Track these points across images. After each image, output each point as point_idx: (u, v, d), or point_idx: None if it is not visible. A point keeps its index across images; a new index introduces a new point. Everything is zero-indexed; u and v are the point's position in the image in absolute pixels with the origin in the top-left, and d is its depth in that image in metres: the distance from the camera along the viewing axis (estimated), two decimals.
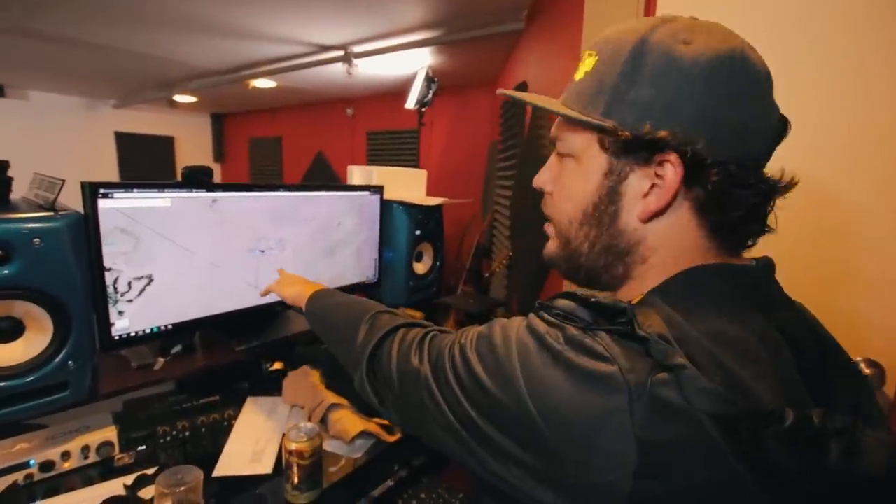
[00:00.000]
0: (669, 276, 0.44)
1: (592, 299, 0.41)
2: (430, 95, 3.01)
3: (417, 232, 1.39)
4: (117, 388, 0.84)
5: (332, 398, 0.93)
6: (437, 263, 1.53)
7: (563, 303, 0.42)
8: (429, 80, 2.96)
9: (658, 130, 0.41)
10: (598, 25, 1.16)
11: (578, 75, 0.49)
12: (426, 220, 1.42)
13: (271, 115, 5.65)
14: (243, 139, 6.17)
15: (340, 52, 2.82)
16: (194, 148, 6.21)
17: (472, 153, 3.79)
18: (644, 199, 0.44)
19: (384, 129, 4.44)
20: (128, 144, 5.59)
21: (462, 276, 3.01)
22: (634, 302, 0.42)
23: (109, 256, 0.80)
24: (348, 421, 0.89)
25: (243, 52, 3.01)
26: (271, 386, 1.09)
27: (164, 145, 5.99)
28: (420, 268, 1.48)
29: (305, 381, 0.99)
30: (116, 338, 0.83)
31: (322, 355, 1.07)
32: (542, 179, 0.53)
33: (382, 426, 0.93)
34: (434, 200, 1.36)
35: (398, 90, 3.87)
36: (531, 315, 0.44)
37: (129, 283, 0.84)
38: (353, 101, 4.65)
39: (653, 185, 0.43)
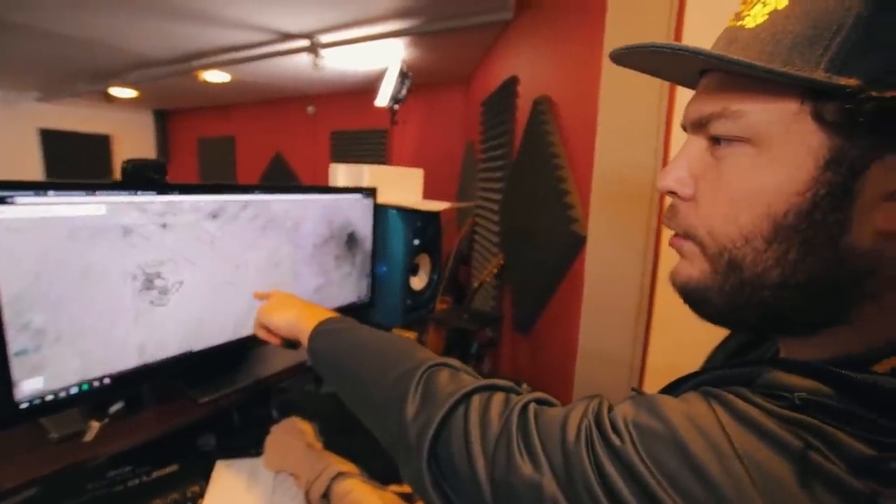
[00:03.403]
0: None
1: (858, 378, 0.25)
2: (403, 91, 2.81)
3: (416, 242, 1.19)
4: (25, 477, 0.58)
5: (336, 463, 0.71)
6: (435, 277, 1.33)
7: (799, 381, 0.27)
8: (403, 74, 2.75)
9: None
10: (627, 12, 1.01)
11: (755, 19, 0.32)
12: (425, 228, 1.22)
13: (223, 112, 5.22)
14: (191, 139, 5.68)
15: (306, 42, 2.56)
16: (134, 148, 5.64)
17: (445, 155, 3.61)
18: (891, 204, 0.28)
19: (350, 128, 4.17)
20: (55, 143, 4.96)
21: (440, 286, 2.81)
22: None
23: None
24: (361, 494, 0.68)
25: (193, 39, 2.68)
26: (245, 439, 0.86)
27: (99, 145, 5.38)
28: (417, 282, 1.28)
29: (296, 441, 0.76)
30: (24, 406, 0.58)
31: (316, 402, 0.84)
32: (672, 178, 0.36)
33: (401, 494, 0.72)
34: (436, 205, 1.17)
35: (365, 87, 3.63)
36: (728, 396, 0.29)
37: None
38: (314, 99, 4.35)
39: None
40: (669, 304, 0.98)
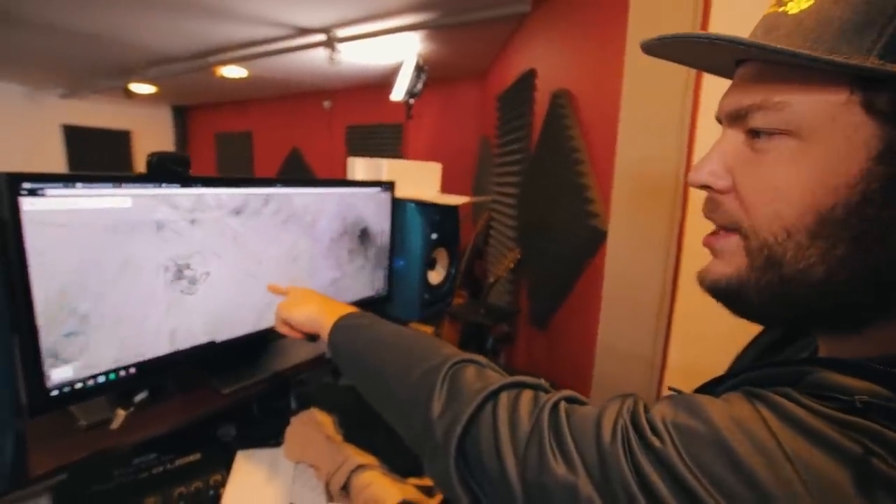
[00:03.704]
0: None
1: None
2: (419, 86, 2.80)
3: (434, 236, 1.18)
4: (56, 463, 0.59)
5: (356, 456, 0.72)
6: (453, 272, 1.33)
7: (853, 382, 0.26)
8: (418, 68, 2.74)
9: None
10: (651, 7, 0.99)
11: (799, 4, 0.30)
12: (443, 222, 1.21)
13: (240, 108, 5.28)
14: (209, 134, 5.76)
15: (322, 37, 2.56)
16: (154, 143, 5.74)
17: (461, 149, 3.59)
18: None
19: (365, 122, 4.18)
20: (77, 139, 5.08)
21: (457, 281, 2.81)
22: None
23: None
24: (380, 487, 0.68)
25: (210, 34, 2.70)
26: (265, 430, 0.87)
27: (120, 140, 5.50)
28: (434, 276, 1.28)
29: (316, 433, 0.77)
30: (54, 394, 0.59)
31: (335, 394, 0.85)
32: (706, 171, 0.34)
33: (421, 487, 0.72)
34: (455, 199, 1.16)
35: (380, 81, 3.63)
36: (774, 397, 0.27)
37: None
38: (330, 93, 4.37)
39: None
40: (692, 300, 0.96)
